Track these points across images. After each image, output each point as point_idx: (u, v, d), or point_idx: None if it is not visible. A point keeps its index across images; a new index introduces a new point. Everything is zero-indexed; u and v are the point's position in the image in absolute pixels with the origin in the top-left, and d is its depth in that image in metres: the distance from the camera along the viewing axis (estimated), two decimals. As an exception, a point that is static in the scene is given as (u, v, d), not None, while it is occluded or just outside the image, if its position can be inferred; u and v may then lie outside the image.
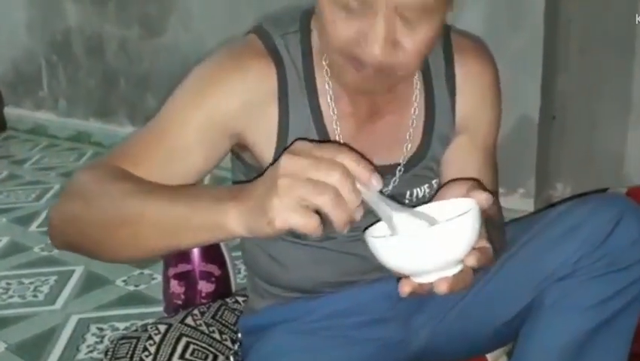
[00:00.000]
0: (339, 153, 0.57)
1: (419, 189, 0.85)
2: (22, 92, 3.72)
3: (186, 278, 1.39)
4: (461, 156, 0.87)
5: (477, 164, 0.88)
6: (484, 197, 0.65)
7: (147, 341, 0.91)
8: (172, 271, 1.40)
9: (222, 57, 0.79)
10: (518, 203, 1.83)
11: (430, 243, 0.58)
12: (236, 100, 0.76)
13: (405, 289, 0.63)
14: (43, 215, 2.31)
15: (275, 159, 0.77)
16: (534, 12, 1.74)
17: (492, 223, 0.77)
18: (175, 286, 1.40)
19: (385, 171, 0.81)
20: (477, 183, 0.73)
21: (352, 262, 0.86)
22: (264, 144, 0.79)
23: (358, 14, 0.66)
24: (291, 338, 0.88)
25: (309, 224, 0.55)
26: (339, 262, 0.86)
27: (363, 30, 0.67)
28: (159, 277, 1.55)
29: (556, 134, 1.92)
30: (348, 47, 0.69)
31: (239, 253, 1.56)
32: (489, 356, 1.04)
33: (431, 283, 0.62)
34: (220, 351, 0.93)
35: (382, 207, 0.61)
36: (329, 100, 0.79)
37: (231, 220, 0.60)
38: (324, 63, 0.79)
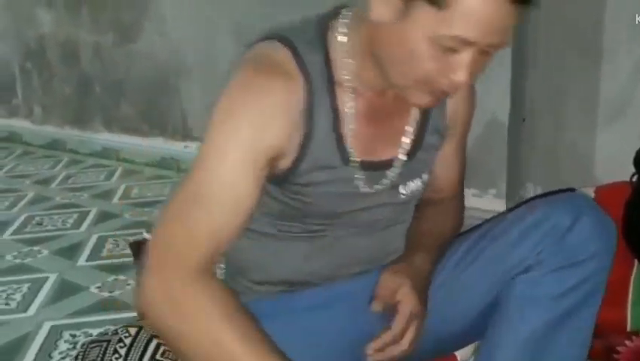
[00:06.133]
0: None
1: (412, 182, 0.91)
2: (-5, 100, 3.68)
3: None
4: (444, 151, 0.95)
5: (453, 156, 0.99)
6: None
7: (117, 343, 0.91)
8: (145, 276, 1.40)
9: (250, 79, 0.78)
10: (490, 203, 1.86)
11: None
12: (273, 126, 0.77)
13: None
14: (16, 223, 2.28)
15: (295, 166, 0.80)
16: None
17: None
18: (149, 291, 1.39)
19: (387, 164, 0.87)
20: (407, 288, 0.87)
21: (347, 254, 0.91)
22: (289, 153, 0.80)
23: (452, 52, 0.71)
24: (273, 331, 0.89)
25: None
26: (334, 254, 0.90)
27: (451, 62, 0.72)
28: (133, 283, 1.54)
29: (526, 136, 1.95)
30: (433, 77, 0.74)
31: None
32: (457, 353, 1.06)
33: None
34: (190, 351, 0.93)
35: None
36: (348, 104, 0.82)
37: None
38: (348, 72, 0.81)
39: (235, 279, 0.96)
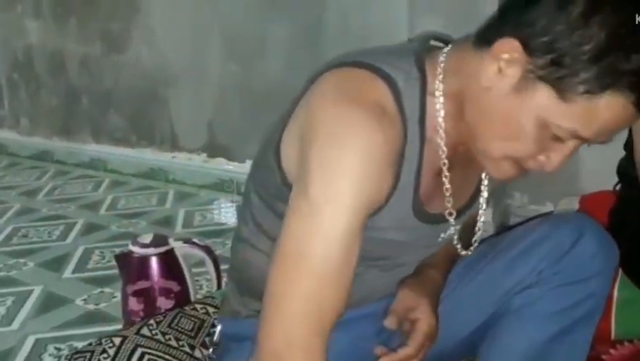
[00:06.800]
0: None
1: (449, 230, 0.86)
2: (-18, 111, 3.65)
3: (145, 295, 1.38)
4: None
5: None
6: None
7: (101, 354, 0.91)
8: (130, 289, 1.39)
9: (353, 124, 0.67)
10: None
11: None
12: (380, 179, 0.70)
13: None
14: (2, 235, 2.26)
15: (377, 210, 0.72)
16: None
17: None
18: (134, 304, 1.38)
19: (455, 216, 0.82)
20: (426, 307, 0.86)
21: (368, 290, 0.88)
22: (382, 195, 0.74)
23: (557, 139, 0.67)
24: None
25: None
26: (356, 290, 0.84)
27: (549, 147, 0.68)
28: (120, 295, 1.53)
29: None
30: (527, 156, 0.70)
31: (201, 269, 1.57)
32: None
33: None
34: (176, 357, 0.93)
35: None
36: (430, 153, 0.76)
37: None
38: (439, 120, 0.74)
39: (242, 299, 0.91)
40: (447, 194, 0.78)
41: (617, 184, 1.30)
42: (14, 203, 2.65)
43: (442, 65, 0.74)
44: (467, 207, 0.85)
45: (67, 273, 1.90)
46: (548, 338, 0.84)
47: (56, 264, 1.97)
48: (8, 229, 2.31)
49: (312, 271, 0.67)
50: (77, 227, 2.31)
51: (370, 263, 0.84)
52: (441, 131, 0.74)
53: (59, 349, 1.47)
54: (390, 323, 0.86)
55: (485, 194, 0.84)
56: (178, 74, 2.73)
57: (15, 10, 3.27)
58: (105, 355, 0.90)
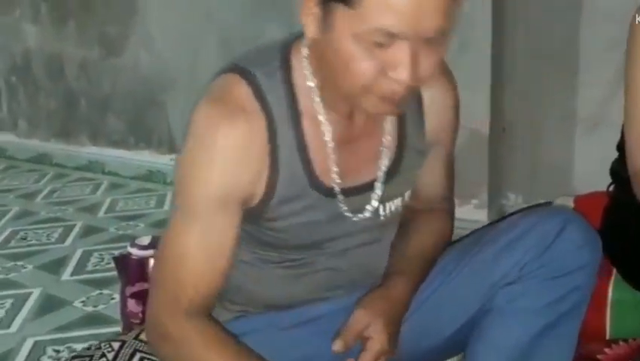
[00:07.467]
0: None
1: (391, 203, 0.89)
2: (-20, 114, 3.66)
3: (144, 297, 1.38)
4: (429, 167, 0.94)
5: (440, 173, 0.97)
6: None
7: (100, 359, 0.92)
8: (129, 291, 1.40)
9: (211, 122, 0.78)
10: (472, 214, 1.88)
11: None
12: (239, 171, 0.78)
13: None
14: (0, 238, 2.26)
15: (264, 203, 0.80)
16: (481, 32, 1.82)
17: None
18: (133, 306, 1.39)
19: (364, 188, 0.86)
20: (379, 326, 0.85)
21: (327, 278, 0.90)
22: (258, 192, 0.81)
23: (383, 47, 0.69)
24: (261, 345, 0.89)
25: None
26: (314, 279, 0.90)
27: (388, 60, 0.69)
28: (118, 297, 1.54)
29: (507, 147, 1.98)
30: (375, 80, 0.71)
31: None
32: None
33: None
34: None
35: None
36: (315, 133, 0.81)
37: None
38: (314, 97, 0.80)
39: (223, 304, 0.94)
40: (333, 165, 0.82)
41: (610, 185, 1.31)
42: (13, 206, 2.66)
43: (305, 46, 0.80)
44: (391, 173, 0.87)
45: (66, 275, 1.91)
46: (535, 333, 0.84)
47: (55, 266, 1.97)
48: (7, 232, 2.32)
49: (174, 258, 0.80)
50: (76, 229, 2.32)
51: (311, 252, 0.87)
52: (318, 107, 0.80)
53: (57, 351, 1.47)
54: (337, 346, 0.84)
55: (385, 162, 0.87)
56: (176, 78, 2.73)
57: (13, 14, 3.28)
58: (103, 359, 0.91)
